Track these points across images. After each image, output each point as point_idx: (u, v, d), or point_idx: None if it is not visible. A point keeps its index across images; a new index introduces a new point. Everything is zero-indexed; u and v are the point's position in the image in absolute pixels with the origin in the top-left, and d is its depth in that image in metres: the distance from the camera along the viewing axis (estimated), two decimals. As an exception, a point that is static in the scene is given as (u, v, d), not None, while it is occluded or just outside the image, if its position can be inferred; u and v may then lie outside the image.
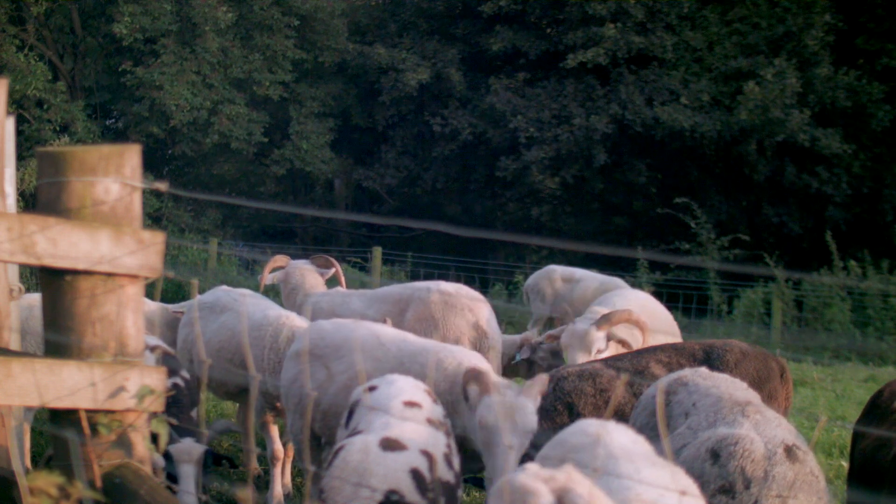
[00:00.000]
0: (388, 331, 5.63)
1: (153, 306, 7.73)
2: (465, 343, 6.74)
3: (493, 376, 4.92)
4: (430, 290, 7.16)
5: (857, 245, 19.45)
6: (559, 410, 5.13)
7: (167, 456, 4.91)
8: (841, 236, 19.76)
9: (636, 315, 6.47)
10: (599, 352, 6.30)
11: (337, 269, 8.32)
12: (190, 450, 5.00)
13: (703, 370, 4.63)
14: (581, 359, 6.20)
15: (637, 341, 6.56)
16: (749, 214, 23.15)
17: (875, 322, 16.45)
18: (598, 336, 6.33)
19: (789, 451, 3.89)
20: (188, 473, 4.97)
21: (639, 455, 3.41)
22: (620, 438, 3.51)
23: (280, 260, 8.39)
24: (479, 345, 6.75)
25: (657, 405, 4.43)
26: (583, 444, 3.49)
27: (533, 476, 2.68)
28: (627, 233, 25.05)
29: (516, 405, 4.61)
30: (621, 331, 6.58)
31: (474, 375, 4.78)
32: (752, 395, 4.37)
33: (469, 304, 6.91)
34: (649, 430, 4.33)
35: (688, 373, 4.58)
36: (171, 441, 4.97)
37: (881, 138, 22.26)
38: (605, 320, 6.38)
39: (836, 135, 21.48)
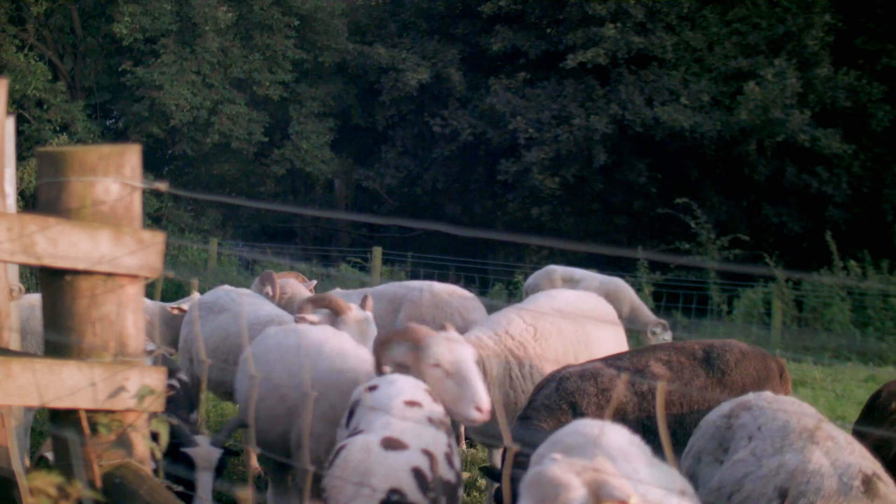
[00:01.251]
0: (315, 337, 5.54)
1: (149, 304, 7.74)
2: None
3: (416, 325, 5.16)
4: (422, 290, 7.18)
5: (857, 245, 19.45)
6: (564, 410, 5.12)
7: (182, 458, 4.86)
8: (841, 236, 19.76)
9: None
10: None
11: (276, 285, 8.25)
12: (209, 455, 4.89)
13: (768, 394, 4.35)
14: None
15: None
16: (749, 214, 23.15)
17: (875, 322, 16.45)
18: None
19: (868, 483, 3.55)
20: (207, 481, 4.85)
21: (635, 455, 3.42)
22: (616, 438, 3.51)
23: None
24: None
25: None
26: (578, 444, 3.50)
27: (566, 468, 2.66)
28: (628, 233, 25.06)
29: (452, 337, 4.97)
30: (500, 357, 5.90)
31: (399, 335, 4.98)
32: (823, 419, 4.11)
33: (459, 306, 6.93)
34: (708, 454, 4.20)
35: (752, 397, 4.31)
36: (187, 442, 4.88)
37: (881, 138, 22.26)
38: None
39: (836, 135, 21.48)
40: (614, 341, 6.53)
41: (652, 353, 5.51)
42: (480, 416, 4.77)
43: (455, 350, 4.85)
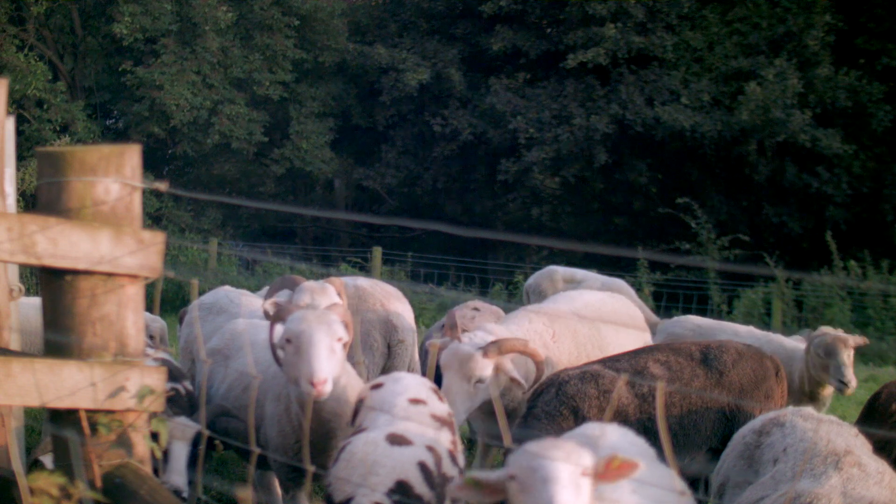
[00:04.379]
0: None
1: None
2: (376, 336, 6.85)
3: None
4: (346, 285, 7.17)
5: (858, 245, 19.44)
6: (564, 415, 5.00)
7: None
8: (841, 236, 19.76)
9: (532, 347, 5.55)
10: (480, 382, 5.39)
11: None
12: (184, 428, 4.79)
13: (809, 410, 4.07)
14: (455, 386, 5.33)
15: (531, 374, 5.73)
16: (749, 214, 23.15)
17: (875, 322, 16.43)
18: (484, 364, 5.39)
19: None
20: (179, 452, 4.72)
21: (633, 456, 3.40)
22: (614, 438, 3.50)
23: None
24: (390, 338, 6.86)
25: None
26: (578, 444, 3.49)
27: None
28: (628, 233, 25.06)
29: (316, 287, 5.70)
30: (517, 362, 5.68)
31: (285, 282, 5.85)
32: (858, 443, 3.84)
33: (380, 296, 6.97)
34: (736, 474, 4.03)
35: (788, 412, 4.04)
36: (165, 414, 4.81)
37: (881, 138, 22.26)
38: (494, 347, 5.42)
39: (836, 135, 21.48)
40: (633, 345, 6.36)
41: (650, 355, 5.47)
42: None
43: (320, 301, 5.25)
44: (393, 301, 7.04)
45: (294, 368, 4.53)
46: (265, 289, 8.38)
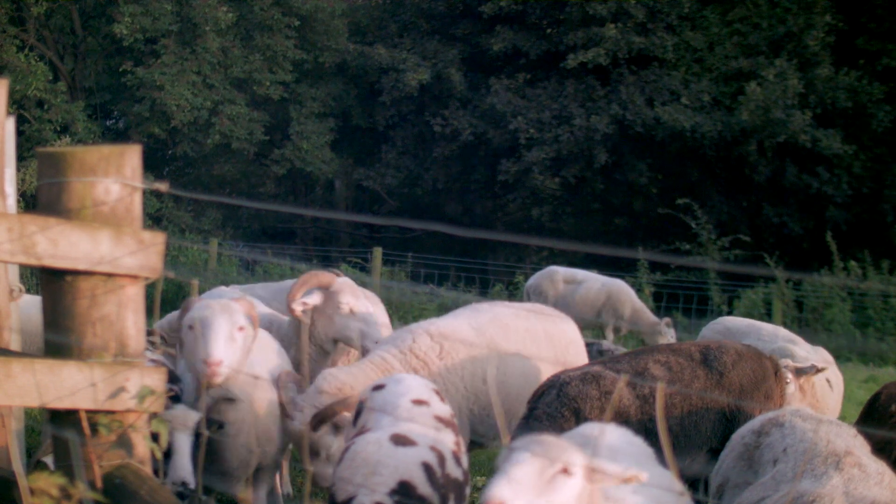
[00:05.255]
0: None
1: None
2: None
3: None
4: None
5: (858, 245, 19.45)
6: (566, 416, 4.96)
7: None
8: (841, 237, 19.77)
9: (351, 402, 4.87)
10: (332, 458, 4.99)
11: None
12: (185, 416, 4.70)
13: (806, 409, 4.08)
14: (319, 467, 4.97)
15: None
16: (750, 215, 23.15)
17: (875, 322, 16.44)
18: (327, 441, 5.02)
19: None
20: (183, 443, 4.62)
21: (630, 456, 3.40)
22: (612, 439, 3.50)
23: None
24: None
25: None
26: (576, 444, 3.49)
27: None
28: (628, 233, 25.06)
29: (354, 286, 6.15)
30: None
31: (312, 279, 6.09)
32: (857, 444, 3.86)
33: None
34: (736, 474, 4.00)
35: (787, 411, 4.04)
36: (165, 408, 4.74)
37: (882, 139, 22.27)
38: (317, 420, 4.96)
39: (836, 135, 21.49)
40: (549, 359, 5.91)
41: (650, 356, 5.46)
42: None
43: (359, 297, 6.02)
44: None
45: (193, 354, 4.58)
46: (250, 285, 8.32)
